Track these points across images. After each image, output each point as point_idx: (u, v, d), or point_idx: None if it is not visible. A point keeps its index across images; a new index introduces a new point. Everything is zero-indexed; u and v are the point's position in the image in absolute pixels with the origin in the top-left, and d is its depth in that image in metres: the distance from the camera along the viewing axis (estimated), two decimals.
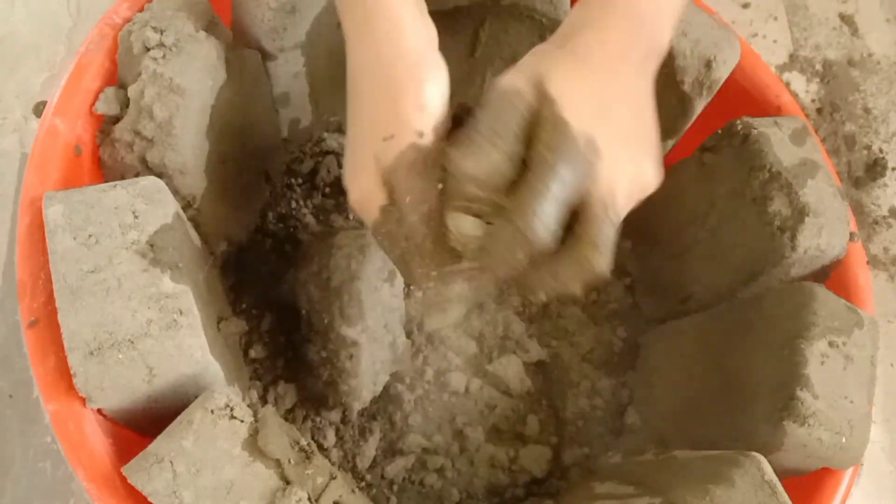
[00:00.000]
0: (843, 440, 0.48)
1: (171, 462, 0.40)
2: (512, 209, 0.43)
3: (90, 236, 0.43)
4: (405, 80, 0.44)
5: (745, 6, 0.90)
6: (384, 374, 0.57)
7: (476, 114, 0.43)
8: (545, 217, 0.42)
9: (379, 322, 0.55)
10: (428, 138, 0.43)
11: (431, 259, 0.45)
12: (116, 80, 0.52)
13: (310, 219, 0.64)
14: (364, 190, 0.44)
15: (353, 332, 0.53)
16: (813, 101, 0.86)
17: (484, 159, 0.42)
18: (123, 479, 0.40)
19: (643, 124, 0.46)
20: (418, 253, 0.45)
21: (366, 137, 0.44)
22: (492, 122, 0.43)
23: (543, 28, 0.62)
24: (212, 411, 0.41)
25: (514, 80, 0.44)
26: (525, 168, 0.43)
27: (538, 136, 0.43)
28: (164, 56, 0.49)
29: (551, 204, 0.42)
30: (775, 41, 0.88)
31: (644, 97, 0.46)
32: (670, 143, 0.64)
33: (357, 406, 0.56)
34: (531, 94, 0.43)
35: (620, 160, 0.44)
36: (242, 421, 0.42)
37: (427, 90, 0.44)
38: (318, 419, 0.59)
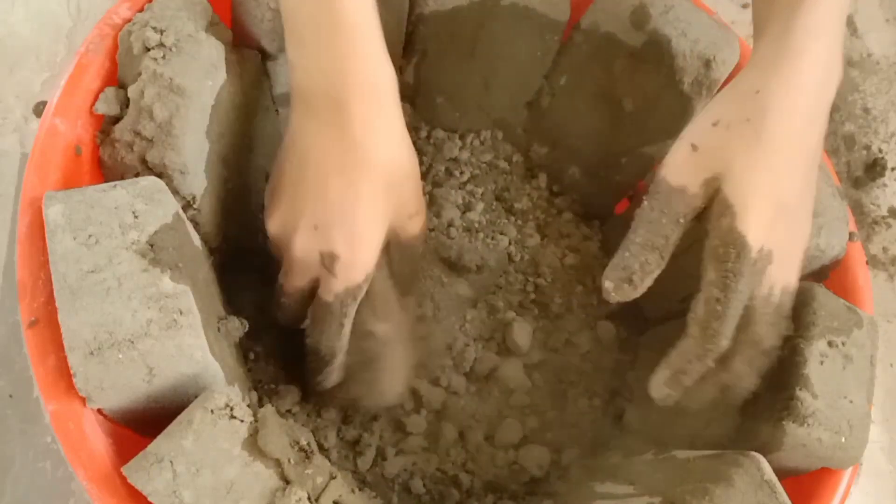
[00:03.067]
0: (843, 440, 0.48)
1: (171, 462, 0.40)
2: (691, 324, 0.44)
3: (90, 236, 0.43)
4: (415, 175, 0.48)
5: (745, 6, 0.90)
6: (410, 373, 0.57)
7: (639, 207, 0.43)
8: (728, 332, 0.43)
9: (404, 320, 0.55)
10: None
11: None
12: (116, 80, 0.52)
13: None
14: (367, 260, 0.47)
15: (385, 328, 0.52)
16: None
17: (636, 279, 0.43)
18: (123, 479, 0.40)
19: (810, 207, 0.45)
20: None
21: (378, 209, 0.46)
22: (650, 233, 0.42)
23: (543, 28, 0.62)
24: (212, 411, 0.41)
25: (683, 176, 0.42)
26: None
27: (713, 246, 0.42)
28: (164, 56, 0.49)
29: (732, 320, 0.43)
30: None
31: (814, 181, 0.44)
32: (670, 143, 0.63)
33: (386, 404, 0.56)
34: (701, 195, 0.42)
35: (788, 257, 0.44)
36: (242, 421, 0.42)
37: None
38: (318, 419, 0.59)
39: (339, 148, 0.44)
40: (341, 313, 0.48)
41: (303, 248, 0.47)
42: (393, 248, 0.50)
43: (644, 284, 0.44)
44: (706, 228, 0.43)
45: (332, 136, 0.45)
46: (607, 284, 0.44)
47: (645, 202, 0.44)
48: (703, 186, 0.42)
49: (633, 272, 0.43)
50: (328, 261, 0.46)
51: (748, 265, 0.42)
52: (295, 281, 0.50)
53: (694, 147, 0.43)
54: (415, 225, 0.49)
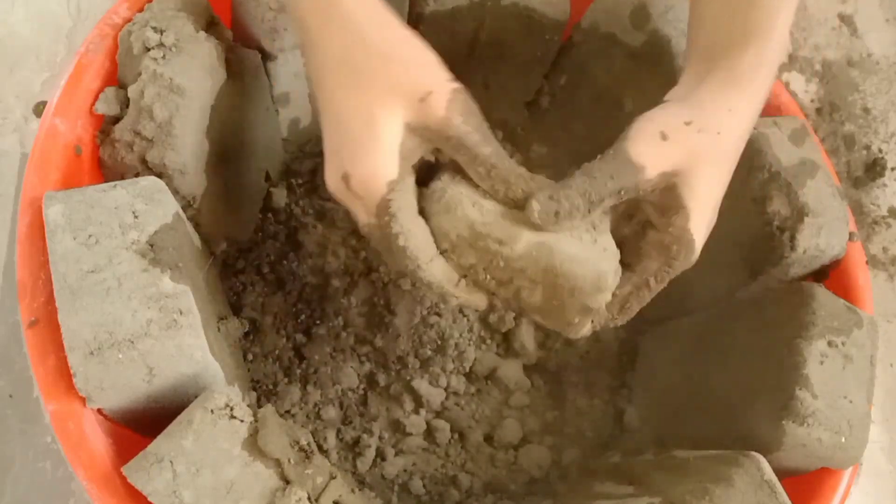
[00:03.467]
0: (843, 440, 0.48)
1: (171, 462, 0.40)
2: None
3: (90, 236, 0.43)
4: (418, 46, 0.43)
5: None
6: None
7: (591, 165, 0.43)
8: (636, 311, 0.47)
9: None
10: (463, 92, 0.43)
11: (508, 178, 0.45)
12: (116, 80, 0.52)
13: (310, 219, 0.64)
14: (376, 167, 0.42)
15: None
16: (812, 101, 0.86)
17: (563, 222, 0.42)
18: (123, 479, 0.40)
19: None
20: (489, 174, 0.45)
21: (384, 106, 0.42)
22: (590, 187, 0.42)
23: (543, 28, 0.62)
24: (212, 411, 0.42)
25: (645, 157, 0.43)
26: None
27: (665, 241, 0.45)
28: (164, 56, 0.49)
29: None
30: None
31: None
32: None
33: None
34: (654, 182, 0.43)
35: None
36: (242, 421, 0.42)
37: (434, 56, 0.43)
38: (317, 420, 0.59)
39: (323, 79, 0.44)
40: (386, 236, 0.43)
41: (331, 182, 0.44)
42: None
43: (563, 223, 0.43)
44: (654, 218, 0.45)
45: (317, 78, 0.44)
46: (535, 205, 0.42)
47: (598, 161, 0.43)
48: (660, 176, 0.43)
49: (560, 209, 0.42)
50: (345, 184, 0.43)
51: (689, 262, 0.46)
52: (360, 221, 0.45)
53: (664, 136, 0.43)
54: (433, 105, 0.42)
